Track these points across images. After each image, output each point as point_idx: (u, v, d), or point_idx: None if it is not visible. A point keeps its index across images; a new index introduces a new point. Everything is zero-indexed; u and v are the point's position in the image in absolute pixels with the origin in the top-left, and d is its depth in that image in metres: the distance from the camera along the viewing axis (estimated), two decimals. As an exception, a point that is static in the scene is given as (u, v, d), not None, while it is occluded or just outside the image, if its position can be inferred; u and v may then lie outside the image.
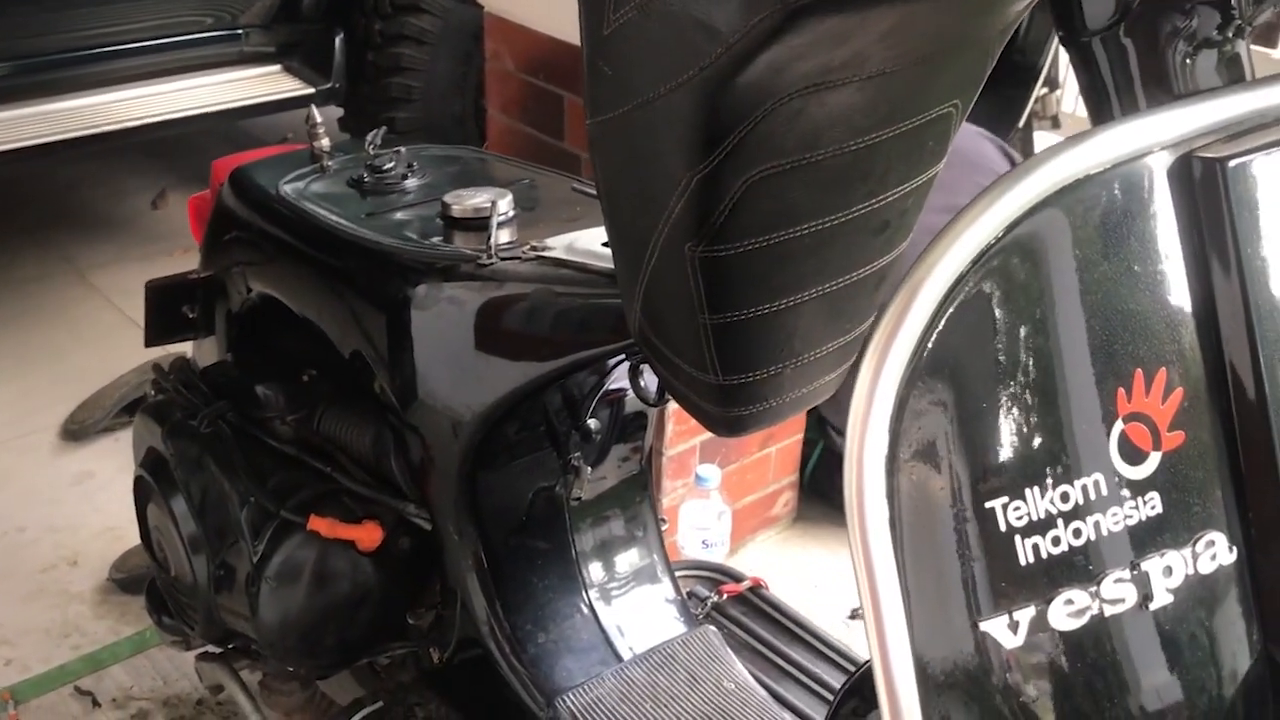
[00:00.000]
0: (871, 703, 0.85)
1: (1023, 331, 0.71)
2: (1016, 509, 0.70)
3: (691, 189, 0.97)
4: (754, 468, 2.45)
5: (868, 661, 0.88)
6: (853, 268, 1.11)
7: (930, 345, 0.69)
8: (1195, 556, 0.74)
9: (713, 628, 1.60)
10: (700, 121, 0.92)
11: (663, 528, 1.65)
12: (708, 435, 2.33)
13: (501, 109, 2.38)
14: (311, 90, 3.40)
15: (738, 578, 1.83)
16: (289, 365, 1.71)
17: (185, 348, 2.06)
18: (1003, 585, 0.70)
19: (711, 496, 2.25)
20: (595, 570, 1.57)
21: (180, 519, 1.64)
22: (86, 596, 2.43)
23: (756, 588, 1.82)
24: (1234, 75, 0.79)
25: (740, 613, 1.79)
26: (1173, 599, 0.73)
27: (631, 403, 1.56)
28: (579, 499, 1.53)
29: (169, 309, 1.90)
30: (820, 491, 2.61)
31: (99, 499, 2.71)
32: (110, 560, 2.48)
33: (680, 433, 2.26)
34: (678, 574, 1.69)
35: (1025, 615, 0.70)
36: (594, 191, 1.55)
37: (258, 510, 1.56)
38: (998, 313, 0.70)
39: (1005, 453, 0.70)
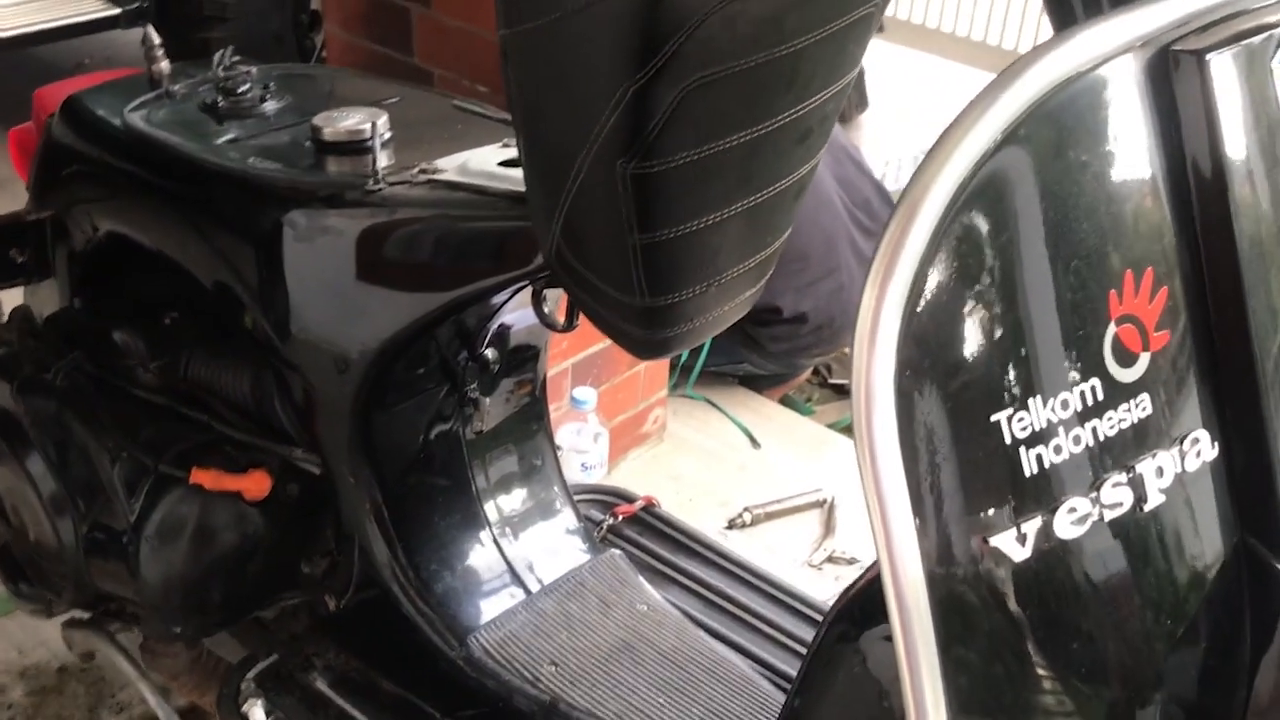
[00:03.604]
0: (862, 626, 0.84)
1: (1017, 245, 0.70)
2: (1020, 420, 0.69)
3: (626, 102, 0.92)
4: (624, 386, 2.42)
5: (851, 586, 0.87)
6: (777, 178, 1.09)
7: (929, 268, 0.67)
8: (1182, 455, 0.75)
9: (618, 551, 1.58)
10: (640, 28, 0.88)
11: (562, 458, 1.62)
12: (580, 356, 2.29)
13: (342, 25, 2.25)
14: (118, 11, 3.15)
15: (630, 498, 1.81)
16: (146, 308, 1.59)
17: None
18: (1009, 498, 0.70)
19: (589, 419, 2.22)
20: (497, 504, 1.52)
21: (39, 481, 1.52)
22: (-85, 568, 2.24)
23: (649, 507, 1.81)
24: (1193, -33, 0.78)
25: (636, 533, 1.77)
26: (1164, 499, 0.74)
27: (521, 332, 1.51)
28: (480, 431, 1.48)
29: (-6, 254, 1.75)
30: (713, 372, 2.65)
31: (-82, 463, 2.51)
32: (-62, 528, 2.30)
33: (552, 356, 2.21)
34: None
35: (1032, 527, 0.70)
36: (476, 109, 1.49)
37: (132, 465, 1.45)
38: (990, 230, 0.69)
39: (1008, 365, 0.69)
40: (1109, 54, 0.72)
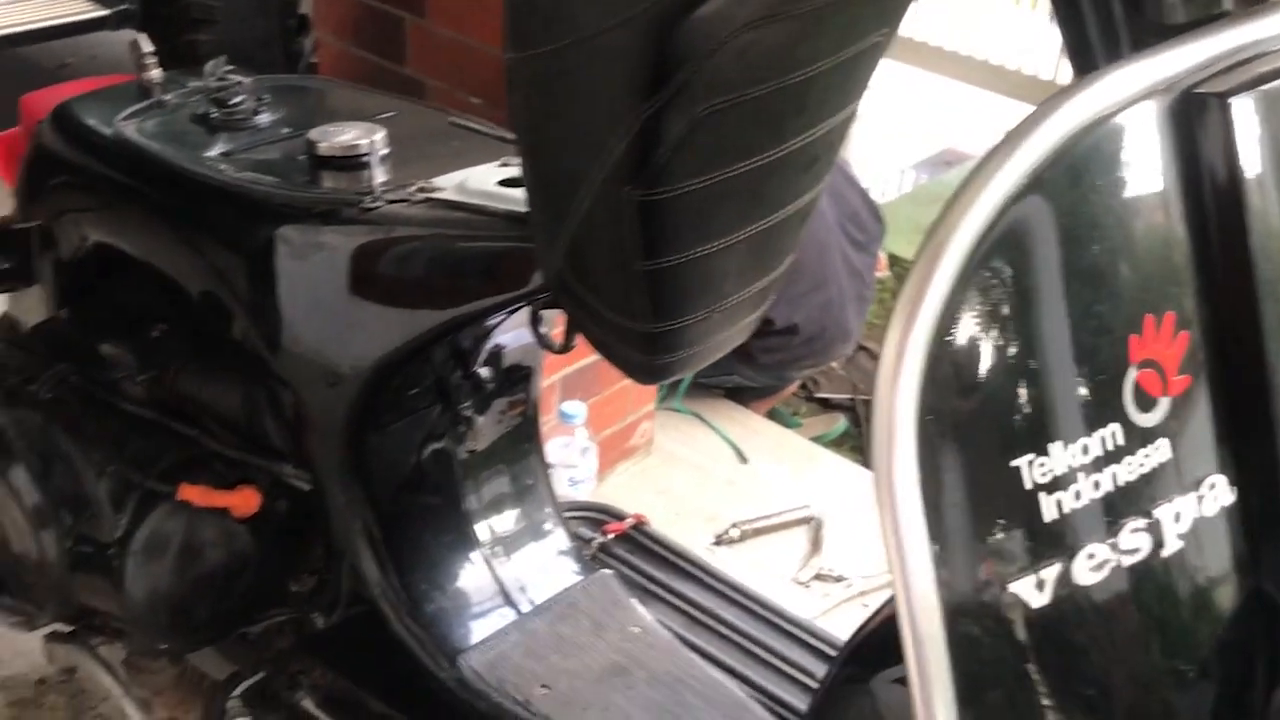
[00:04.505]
0: (873, 668, 0.83)
1: (1039, 290, 0.69)
2: (1041, 465, 0.69)
3: (636, 130, 0.91)
4: (613, 400, 2.41)
5: (864, 624, 0.86)
6: (782, 204, 1.08)
7: (952, 313, 0.66)
8: (1200, 500, 0.74)
9: (610, 572, 1.57)
10: (653, 57, 0.87)
11: (550, 473, 1.60)
12: (569, 370, 2.27)
13: (333, 32, 2.23)
14: (105, 13, 3.12)
15: (620, 516, 1.80)
16: (135, 320, 1.57)
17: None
18: (1028, 544, 0.69)
19: (577, 433, 2.20)
20: (489, 524, 1.51)
21: (22, 493, 1.49)
22: (-108, 576, 2.21)
23: (639, 525, 1.80)
24: (1213, 8, 0.77)
25: (626, 551, 1.76)
26: (1182, 544, 0.73)
27: (515, 352, 1.50)
28: (473, 450, 1.47)
29: (-23, 260, 1.72)
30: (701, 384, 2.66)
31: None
32: (-84, 534, 2.26)
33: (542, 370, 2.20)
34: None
35: (1051, 573, 0.69)
36: (474, 126, 1.48)
37: (118, 480, 1.43)
38: (1013, 275, 0.69)
39: (1029, 411, 0.68)
40: (1131, 98, 0.71)
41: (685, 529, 2.36)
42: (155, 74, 1.61)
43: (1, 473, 1.51)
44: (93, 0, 3.14)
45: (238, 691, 1.49)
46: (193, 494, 1.41)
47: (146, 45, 1.63)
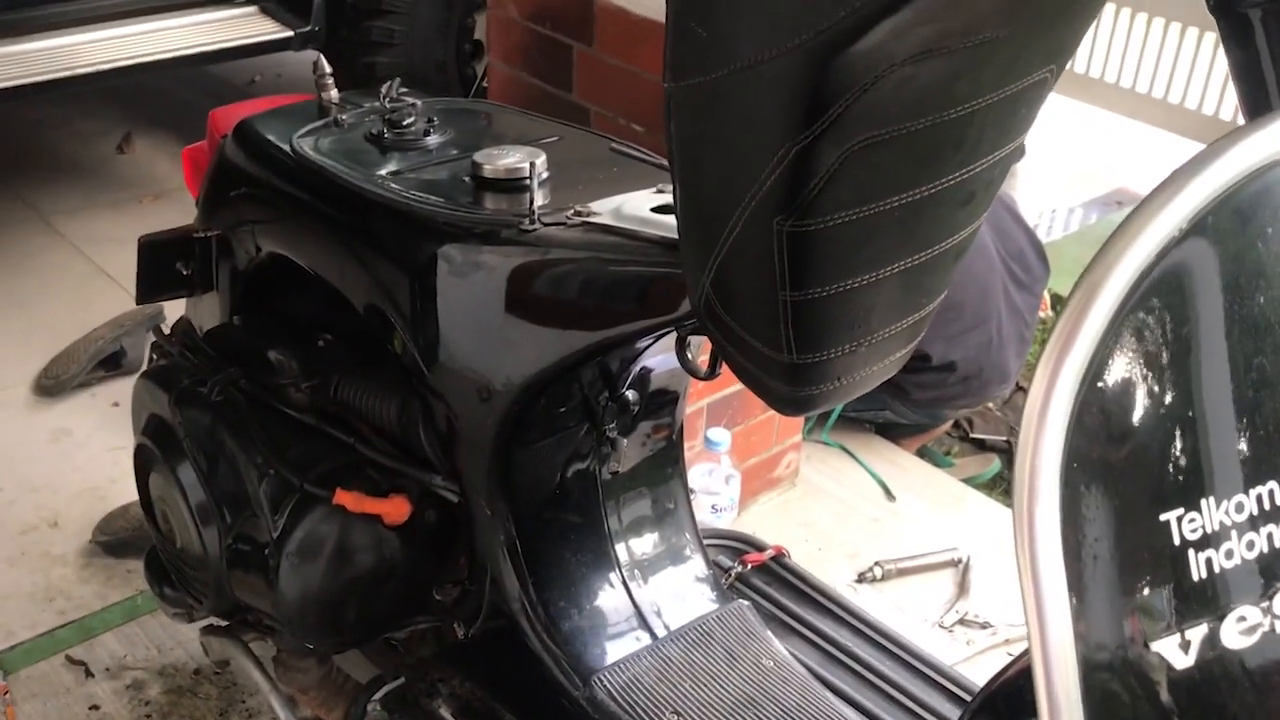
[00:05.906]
0: (1006, 719, 0.81)
1: (1197, 339, 0.67)
2: (1191, 521, 0.66)
3: (788, 161, 0.91)
4: (758, 429, 2.41)
5: (999, 675, 0.84)
6: (936, 241, 1.06)
7: (1104, 357, 0.64)
8: (1364, 567, 0.70)
9: (747, 603, 1.56)
10: (808, 89, 0.87)
11: (692, 500, 1.60)
12: (716, 397, 2.28)
13: (504, 59, 2.30)
14: (290, 34, 3.27)
15: (760, 547, 1.79)
16: (301, 329, 1.64)
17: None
18: (1174, 602, 0.66)
19: (722, 460, 2.20)
20: (628, 546, 1.52)
21: (189, 490, 1.57)
22: (70, 559, 2.35)
23: (779, 557, 1.78)
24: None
25: (764, 582, 1.75)
26: (1342, 612, 0.70)
27: (662, 376, 1.51)
28: (616, 472, 1.48)
29: (162, 265, 1.82)
30: (850, 418, 2.65)
31: (78, 458, 2.62)
32: (93, 522, 2.40)
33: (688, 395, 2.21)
34: (700, 544, 1.64)
35: (1197, 634, 0.66)
36: (634, 153, 1.50)
37: (278, 483, 1.49)
38: (1170, 322, 0.66)
39: (1181, 463, 0.66)
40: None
41: (827, 565, 2.34)
42: (333, 94, 1.68)
43: (170, 470, 1.59)
44: (279, 21, 3.29)
45: (378, 695, 1.53)
46: (347, 499, 1.46)
47: (326, 66, 1.70)
